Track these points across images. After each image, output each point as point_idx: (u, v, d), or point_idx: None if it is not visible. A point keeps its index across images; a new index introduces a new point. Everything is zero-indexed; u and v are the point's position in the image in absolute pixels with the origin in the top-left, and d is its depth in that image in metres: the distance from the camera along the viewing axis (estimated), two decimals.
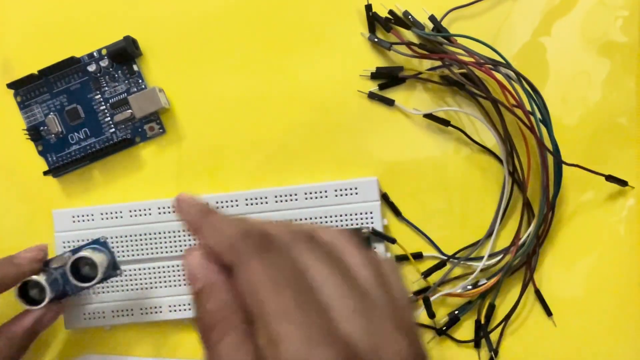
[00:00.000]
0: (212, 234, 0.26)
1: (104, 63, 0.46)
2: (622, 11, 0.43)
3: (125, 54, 0.45)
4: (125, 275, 0.44)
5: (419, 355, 0.23)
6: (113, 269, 0.40)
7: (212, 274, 0.25)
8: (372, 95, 0.44)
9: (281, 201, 0.43)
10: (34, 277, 0.38)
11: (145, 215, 0.44)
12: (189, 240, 0.44)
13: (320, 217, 0.43)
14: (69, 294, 0.40)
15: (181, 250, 0.44)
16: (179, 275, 0.44)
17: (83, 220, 0.45)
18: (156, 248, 0.44)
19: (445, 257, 0.44)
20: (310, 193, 0.43)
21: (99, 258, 0.39)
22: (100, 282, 0.39)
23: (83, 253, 0.38)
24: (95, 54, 0.46)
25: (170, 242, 0.44)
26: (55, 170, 0.46)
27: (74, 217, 0.45)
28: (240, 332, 0.24)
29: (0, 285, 0.38)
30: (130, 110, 0.45)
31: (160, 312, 0.44)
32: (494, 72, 0.41)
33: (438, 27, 0.43)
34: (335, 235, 0.26)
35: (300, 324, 0.22)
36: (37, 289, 0.39)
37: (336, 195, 0.43)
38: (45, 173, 0.46)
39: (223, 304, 0.24)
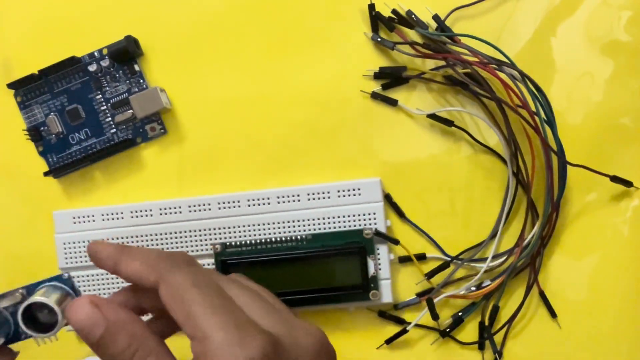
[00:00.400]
0: (132, 260, 0.28)
1: (105, 63, 0.45)
2: (626, 11, 0.43)
3: (126, 54, 0.44)
4: None
5: (323, 343, 0.28)
6: None
7: (111, 313, 0.26)
8: (375, 96, 0.44)
9: (284, 202, 0.43)
10: None
11: (147, 216, 0.44)
12: (191, 240, 0.44)
13: (323, 218, 0.43)
14: (21, 338, 0.32)
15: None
16: None
17: (84, 222, 0.44)
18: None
19: (449, 258, 0.44)
20: (313, 194, 0.43)
21: (59, 300, 0.30)
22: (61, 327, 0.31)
23: (37, 298, 0.29)
24: (96, 53, 0.45)
25: (172, 243, 0.44)
26: (56, 171, 0.46)
27: (74, 218, 0.45)
28: (161, 353, 0.26)
29: None
30: (131, 111, 0.45)
31: None
32: (498, 71, 0.41)
33: (442, 26, 0.43)
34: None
35: (228, 317, 0.25)
36: None
37: (339, 196, 0.43)
38: (45, 174, 0.46)
39: (133, 335, 0.26)
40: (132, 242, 0.44)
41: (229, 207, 0.43)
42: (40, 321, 0.30)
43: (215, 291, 0.26)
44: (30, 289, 0.31)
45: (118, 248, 0.29)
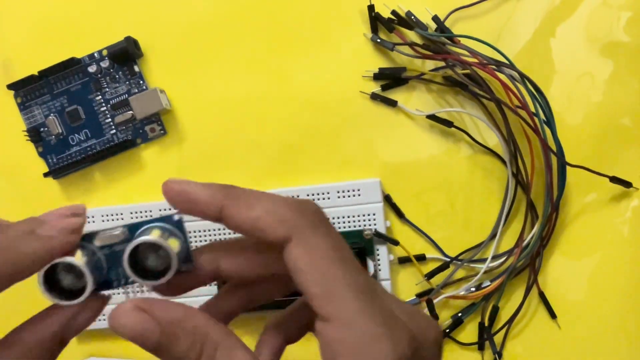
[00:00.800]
0: (249, 207, 0.22)
1: (104, 64, 0.45)
2: (625, 11, 0.43)
3: (126, 55, 0.45)
4: None
5: (441, 335, 0.24)
6: (184, 261, 0.26)
7: (163, 313, 0.22)
8: (374, 96, 0.44)
9: None
10: (69, 258, 0.24)
11: (147, 217, 0.44)
12: (190, 241, 0.44)
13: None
14: (114, 286, 0.26)
15: None
16: None
17: None
18: None
19: (449, 259, 0.44)
20: (313, 194, 0.43)
21: (173, 246, 0.25)
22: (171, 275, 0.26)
23: (153, 238, 0.24)
24: (96, 54, 0.46)
25: None
26: (56, 172, 0.46)
27: None
28: (230, 345, 0.22)
29: (17, 269, 0.22)
30: (131, 112, 0.45)
31: None
32: (497, 72, 0.41)
33: (441, 27, 0.43)
34: None
35: (374, 303, 0.21)
36: (72, 275, 0.25)
37: (339, 197, 0.43)
38: (45, 175, 0.46)
39: (195, 331, 0.22)
40: None
41: None
42: (144, 265, 0.25)
43: (358, 267, 0.22)
44: (133, 228, 0.25)
45: (222, 189, 0.23)
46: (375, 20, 0.43)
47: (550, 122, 0.41)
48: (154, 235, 0.24)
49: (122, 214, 0.44)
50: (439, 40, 0.42)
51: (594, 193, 0.43)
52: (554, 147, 0.41)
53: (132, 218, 0.44)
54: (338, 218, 0.43)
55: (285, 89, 0.45)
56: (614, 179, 0.42)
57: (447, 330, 0.43)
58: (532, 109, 0.40)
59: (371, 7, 0.43)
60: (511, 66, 0.41)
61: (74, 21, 0.46)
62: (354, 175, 0.44)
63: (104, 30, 0.46)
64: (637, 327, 0.43)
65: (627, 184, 0.42)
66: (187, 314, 0.23)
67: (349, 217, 0.43)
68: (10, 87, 0.46)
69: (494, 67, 0.41)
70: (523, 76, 0.40)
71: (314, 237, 0.22)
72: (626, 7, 0.43)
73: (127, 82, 0.46)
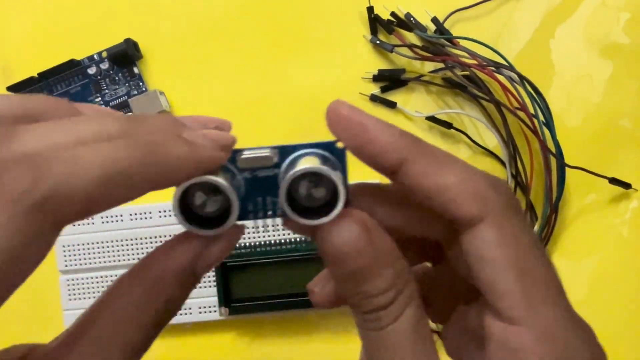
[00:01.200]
0: (444, 173, 0.18)
1: (104, 66, 0.45)
2: (624, 13, 0.43)
3: (126, 57, 0.45)
4: None
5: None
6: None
7: (381, 242, 0.18)
8: (374, 98, 0.44)
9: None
10: (214, 177, 0.19)
11: (146, 218, 0.44)
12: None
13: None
14: (249, 217, 0.21)
15: None
16: None
17: (83, 224, 0.44)
18: None
19: None
20: None
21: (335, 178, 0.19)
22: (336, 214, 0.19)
23: (324, 168, 0.19)
24: (95, 56, 0.46)
25: None
26: None
27: (74, 225, 0.44)
28: (420, 304, 0.19)
29: (161, 172, 0.17)
30: (131, 113, 0.45)
31: None
32: (496, 74, 0.41)
33: (440, 29, 0.43)
34: None
35: (568, 309, 0.19)
36: (212, 199, 0.20)
37: None
38: None
39: (399, 274, 0.18)
40: (131, 245, 0.44)
41: None
42: (298, 196, 0.20)
43: (551, 263, 0.19)
44: (283, 151, 0.20)
45: (409, 137, 0.19)
46: (375, 22, 0.43)
47: (549, 123, 0.41)
48: (316, 164, 0.19)
49: (121, 216, 0.44)
50: (438, 42, 0.42)
51: (593, 194, 0.43)
52: (553, 149, 0.41)
53: (131, 220, 0.44)
54: None
55: (284, 91, 0.45)
56: (614, 180, 0.42)
57: None
58: (532, 111, 0.40)
59: (370, 9, 0.43)
60: (510, 68, 0.41)
61: (73, 23, 0.46)
62: (353, 177, 0.44)
63: (103, 32, 0.46)
64: (637, 327, 0.43)
65: (626, 185, 0.42)
66: (399, 254, 0.19)
67: None
68: (10, 88, 0.46)
69: (493, 68, 0.41)
70: (522, 78, 0.40)
71: (510, 222, 0.18)
72: (625, 8, 0.43)
73: (127, 84, 0.46)
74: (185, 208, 0.20)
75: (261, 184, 0.20)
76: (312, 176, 0.19)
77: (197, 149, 0.18)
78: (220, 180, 0.19)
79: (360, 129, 0.19)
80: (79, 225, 0.44)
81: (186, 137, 0.18)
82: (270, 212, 0.21)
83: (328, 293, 0.23)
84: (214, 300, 0.43)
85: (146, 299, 0.18)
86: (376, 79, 0.44)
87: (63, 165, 0.14)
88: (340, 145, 0.20)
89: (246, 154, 0.20)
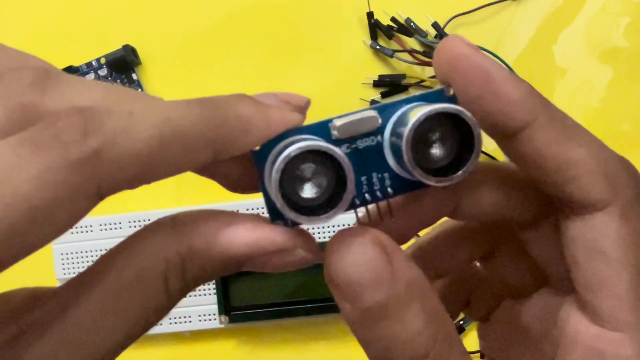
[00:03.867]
0: (575, 145, 0.15)
1: (102, 72, 0.45)
2: (624, 17, 0.43)
3: (124, 63, 0.44)
4: None
5: None
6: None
7: (405, 271, 0.15)
8: (374, 103, 0.44)
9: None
10: (325, 144, 0.15)
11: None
12: None
13: (323, 227, 0.42)
14: (356, 203, 0.16)
15: None
16: None
17: (81, 232, 0.44)
18: None
19: None
20: None
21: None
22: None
23: (459, 108, 0.15)
24: (94, 63, 0.45)
25: None
26: None
27: (74, 227, 0.44)
28: (463, 350, 0.16)
29: (221, 135, 0.14)
30: None
31: (161, 324, 0.43)
32: None
33: (441, 34, 0.42)
34: None
35: None
36: (320, 176, 0.15)
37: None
38: None
39: (434, 313, 0.15)
40: None
41: None
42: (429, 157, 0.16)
43: None
44: (383, 111, 0.16)
45: (538, 96, 0.16)
46: (375, 27, 0.43)
47: None
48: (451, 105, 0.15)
49: (120, 223, 0.44)
50: None
51: None
52: None
53: (129, 227, 0.44)
54: (339, 225, 0.42)
55: None
56: None
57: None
58: None
59: (370, 14, 0.43)
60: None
61: (71, 29, 0.46)
62: None
63: (102, 38, 0.45)
64: None
65: None
66: (429, 286, 0.15)
67: (349, 224, 0.42)
68: None
69: None
70: None
71: (638, 215, 0.15)
72: (625, 13, 0.43)
73: None
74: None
75: (362, 158, 0.16)
76: (439, 125, 0.15)
77: (266, 109, 0.15)
78: (332, 148, 0.14)
79: (483, 76, 0.15)
80: (76, 233, 0.44)
81: (253, 96, 0.16)
82: (379, 194, 0.16)
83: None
84: (214, 308, 0.42)
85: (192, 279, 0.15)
86: (377, 84, 0.44)
87: (117, 120, 0.13)
88: (450, 92, 0.16)
89: (343, 119, 0.16)
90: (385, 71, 0.44)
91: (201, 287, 0.43)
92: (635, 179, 0.16)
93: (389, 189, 0.16)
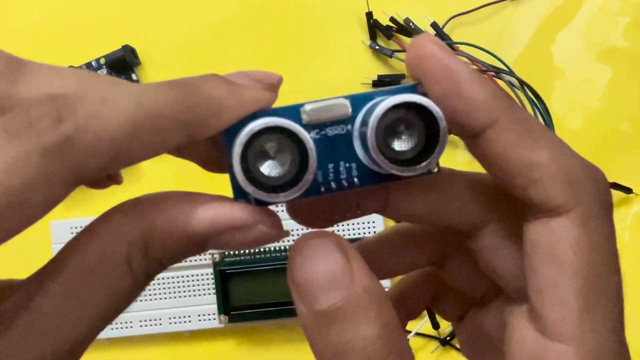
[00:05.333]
0: (540, 148, 0.15)
1: (102, 72, 0.45)
2: (623, 17, 0.43)
3: (124, 64, 0.44)
4: None
5: None
6: None
7: (363, 277, 0.15)
8: None
9: (282, 210, 0.43)
10: (288, 121, 0.15)
11: None
12: None
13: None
14: (321, 190, 0.16)
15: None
16: (180, 287, 0.43)
17: (81, 228, 0.44)
18: None
19: None
20: None
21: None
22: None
23: (425, 99, 0.15)
24: (93, 63, 0.45)
25: None
26: None
27: (72, 228, 0.44)
28: None
29: (194, 116, 0.14)
30: None
31: (160, 324, 0.43)
32: (496, 79, 0.41)
33: (440, 34, 0.43)
34: None
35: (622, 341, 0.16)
36: (283, 153, 0.15)
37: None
38: None
39: (387, 324, 0.15)
40: None
41: None
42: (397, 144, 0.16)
43: (621, 282, 0.17)
44: (356, 101, 0.16)
45: (503, 97, 0.15)
46: (374, 27, 0.43)
47: (550, 128, 0.41)
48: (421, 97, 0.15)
49: None
50: None
51: None
52: None
53: None
54: (337, 225, 0.42)
55: (283, 97, 0.44)
56: (614, 185, 0.42)
57: (448, 338, 0.43)
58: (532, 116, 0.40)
59: (369, 14, 0.43)
60: (510, 73, 0.41)
61: (71, 30, 0.46)
62: None
63: (101, 38, 0.45)
64: (638, 330, 0.43)
65: (627, 190, 0.42)
66: (385, 295, 0.15)
67: (348, 224, 0.42)
68: None
69: (493, 73, 0.41)
70: (522, 83, 0.40)
71: (598, 223, 0.15)
72: (623, 13, 0.43)
73: None
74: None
75: (330, 146, 0.16)
76: (406, 117, 0.15)
77: (237, 88, 0.15)
78: (296, 125, 0.15)
79: (448, 75, 0.15)
80: (77, 231, 0.44)
81: (224, 76, 0.16)
82: (345, 183, 0.16)
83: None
84: (213, 307, 0.42)
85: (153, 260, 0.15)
86: (376, 84, 0.44)
87: (89, 106, 0.13)
88: (421, 89, 0.16)
89: (314, 104, 0.16)
90: (384, 71, 0.44)
91: (200, 286, 0.43)
92: (601, 186, 0.16)
93: (355, 179, 0.16)
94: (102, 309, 0.14)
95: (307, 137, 0.15)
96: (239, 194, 0.16)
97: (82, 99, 0.13)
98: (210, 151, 0.17)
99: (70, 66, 0.45)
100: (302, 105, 0.16)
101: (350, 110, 0.16)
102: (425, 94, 0.16)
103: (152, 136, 0.14)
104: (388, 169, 0.15)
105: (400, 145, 0.15)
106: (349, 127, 0.16)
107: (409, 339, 0.15)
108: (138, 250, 0.14)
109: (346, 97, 0.16)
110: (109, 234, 0.15)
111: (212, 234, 0.15)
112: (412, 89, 0.16)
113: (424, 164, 0.15)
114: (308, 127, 0.16)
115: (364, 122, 0.15)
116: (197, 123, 0.14)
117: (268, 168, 0.15)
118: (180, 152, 0.16)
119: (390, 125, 0.15)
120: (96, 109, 0.13)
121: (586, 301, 0.15)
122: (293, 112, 0.16)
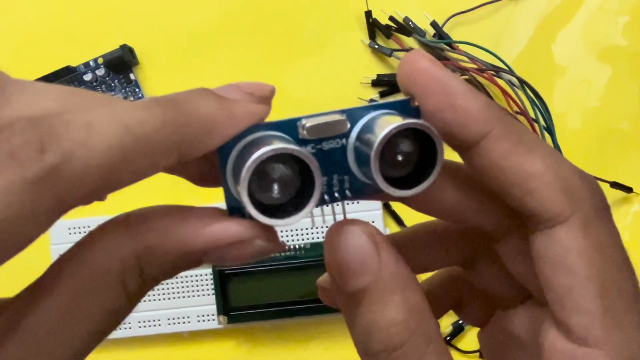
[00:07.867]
0: (533, 157, 0.15)
1: (100, 72, 0.45)
2: (622, 16, 0.43)
3: (122, 63, 0.44)
4: None
5: None
6: None
7: (391, 263, 0.15)
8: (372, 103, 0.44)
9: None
10: (292, 146, 0.15)
11: None
12: None
13: (321, 227, 0.42)
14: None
15: None
16: (180, 288, 0.43)
17: (79, 233, 0.44)
18: None
19: None
20: None
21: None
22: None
23: (426, 124, 0.15)
24: (91, 63, 0.45)
25: None
26: None
27: (70, 229, 0.44)
28: (443, 350, 0.16)
29: (184, 134, 0.14)
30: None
31: (159, 325, 0.43)
32: (496, 78, 0.40)
33: (440, 33, 0.42)
34: None
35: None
36: (287, 177, 0.15)
37: (337, 204, 0.42)
38: None
39: (414, 308, 0.15)
40: None
41: None
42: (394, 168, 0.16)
43: (637, 282, 0.16)
44: (351, 116, 0.16)
45: (496, 108, 0.16)
46: (373, 26, 0.43)
47: (550, 128, 0.40)
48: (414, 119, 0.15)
49: None
50: (437, 46, 0.42)
51: None
52: None
53: None
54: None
55: (283, 96, 0.44)
56: (615, 185, 0.42)
57: (448, 338, 0.43)
58: (532, 115, 0.40)
59: (368, 13, 0.43)
60: (510, 72, 0.41)
61: (69, 29, 0.46)
62: None
63: (99, 38, 0.45)
64: None
65: (627, 189, 0.42)
66: (414, 282, 0.16)
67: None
68: None
69: (492, 72, 0.40)
70: (522, 82, 0.40)
71: (600, 227, 0.15)
72: (623, 11, 0.43)
73: (123, 91, 0.45)
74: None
75: (324, 159, 0.16)
76: (405, 137, 0.15)
77: (229, 104, 0.15)
78: (295, 148, 0.14)
79: (441, 89, 0.15)
80: (75, 234, 0.44)
81: (214, 90, 0.15)
82: (337, 195, 0.16)
83: None
84: (212, 308, 0.42)
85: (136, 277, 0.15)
86: (375, 83, 0.43)
87: (74, 133, 0.12)
88: (414, 104, 0.16)
89: (312, 121, 0.16)
90: (383, 70, 0.44)
91: (199, 287, 0.43)
92: (596, 192, 0.16)
93: (348, 192, 0.16)
94: (94, 328, 0.14)
95: (317, 167, 0.15)
96: (234, 211, 0.16)
97: (67, 125, 0.12)
98: (202, 167, 0.16)
99: (67, 66, 0.45)
100: (298, 119, 0.16)
101: (348, 126, 0.16)
102: (418, 109, 0.16)
103: (141, 160, 0.13)
104: (386, 190, 0.15)
105: (397, 164, 0.16)
106: (344, 141, 0.16)
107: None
108: (132, 269, 0.14)
109: (342, 111, 0.16)
110: (101, 254, 0.14)
111: (208, 250, 0.15)
112: (406, 104, 0.16)
113: (419, 186, 0.15)
114: (304, 141, 0.16)
115: (360, 138, 0.16)
116: (188, 143, 0.14)
117: (272, 191, 0.15)
118: (170, 169, 0.16)
119: (388, 146, 0.15)
120: (81, 135, 0.12)
121: (605, 304, 0.15)
122: (290, 127, 0.16)
